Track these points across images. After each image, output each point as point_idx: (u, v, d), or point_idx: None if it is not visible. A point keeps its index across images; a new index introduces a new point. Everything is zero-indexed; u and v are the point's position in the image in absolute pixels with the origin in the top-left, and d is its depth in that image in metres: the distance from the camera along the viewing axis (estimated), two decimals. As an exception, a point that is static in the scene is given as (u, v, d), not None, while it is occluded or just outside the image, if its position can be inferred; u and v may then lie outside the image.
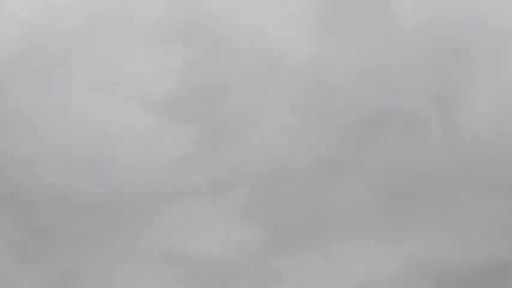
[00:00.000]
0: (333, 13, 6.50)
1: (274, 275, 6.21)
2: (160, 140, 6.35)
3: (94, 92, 6.38)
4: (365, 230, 6.28)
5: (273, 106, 6.42)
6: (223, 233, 6.27)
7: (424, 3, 6.51)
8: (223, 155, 6.34)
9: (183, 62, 6.43)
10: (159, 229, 6.26)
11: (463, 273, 6.19)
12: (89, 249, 6.22)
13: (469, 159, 6.34)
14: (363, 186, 6.33)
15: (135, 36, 6.50)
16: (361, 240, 6.26)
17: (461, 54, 6.45)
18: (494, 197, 6.30)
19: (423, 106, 6.41)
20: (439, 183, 6.32)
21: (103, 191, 6.26)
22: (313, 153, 6.37)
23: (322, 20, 6.52)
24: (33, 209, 6.23)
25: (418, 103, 6.41)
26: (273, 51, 6.47)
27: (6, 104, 6.35)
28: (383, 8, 6.49)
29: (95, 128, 6.35)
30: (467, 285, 6.18)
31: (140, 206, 6.28)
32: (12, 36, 6.44)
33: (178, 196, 6.29)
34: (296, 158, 6.36)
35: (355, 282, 6.21)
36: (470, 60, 6.45)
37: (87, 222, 6.24)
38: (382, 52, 6.46)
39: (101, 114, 6.37)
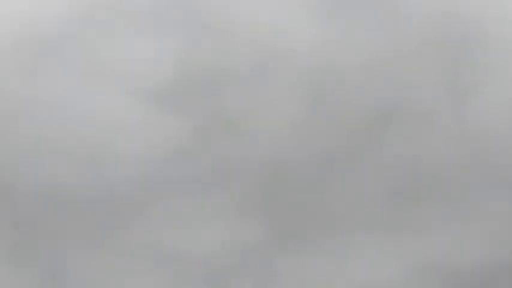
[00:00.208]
0: (335, 2, 6.38)
1: (272, 272, 6.10)
2: (155, 131, 6.25)
3: (86, 83, 6.29)
4: (370, 227, 6.15)
5: (271, 97, 6.29)
6: (219, 229, 6.16)
7: (431, -10, 6.41)
8: (219, 147, 6.21)
9: (178, 52, 6.33)
10: (152, 225, 6.15)
11: (472, 274, 6.08)
12: (80, 246, 6.09)
13: (478, 153, 6.22)
14: (367, 182, 6.20)
15: (129, 25, 6.40)
16: (364, 238, 6.14)
17: (470, 46, 6.32)
18: (505, 194, 6.17)
19: (431, 98, 6.27)
20: (446, 179, 6.20)
21: (95, 185, 6.17)
22: (313, 146, 6.24)
23: (323, 9, 6.40)
24: (22, 205, 6.11)
25: (426, 95, 6.28)
26: (272, 40, 6.34)
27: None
28: (389, -5, 6.38)
29: (87, 119, 6.24)
30: (476, 285, 6.05)
31: (133, 200, 6.17)
32: (0, 25, 6.33)
33: (172, 191, 6.18)
34: (296, 151, 6.23)
35: (357, 281, 6.10)
36: (478, 52, 6.31)
37: (78, 218, 6.13)
38: (386, 42, 6.34)
39: (93, 105, 6.27)
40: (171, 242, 6.11)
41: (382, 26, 6.36)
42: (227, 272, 6.06)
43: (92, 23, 6.33)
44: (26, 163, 6.15)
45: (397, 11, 6.39)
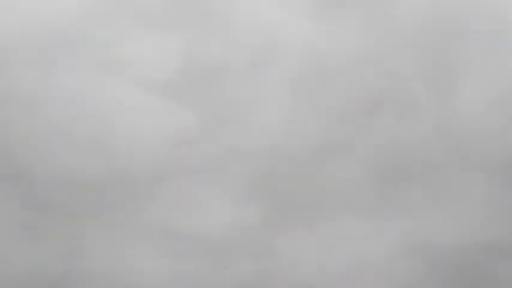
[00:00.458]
0: (330, -2, 6.58)
1: (271, 252, 6.30)
2: (161, 120, 6.40)
3: (95, 73, 6.41)
4: (360, 209, 6.37)
5: (271, 88, 6.47)
6: (222, 212, 6.34)
7: (420, -12, 6.60)
8: (223, 136, 6.41)
9: (183, 44, 6.46)
10: (160, 207, 6.32)
11: (455, 254, 6.28)
12: (92, 227, 6.28)
13: (462, 142, 6.43)
14: (358, 167, 6.41)
15: (136, 18, 6.50)
16: (356, 219, 6.35)
17: (456, 39, 6.53)
18: (485, 179, 6.40)
19: (418, 89, 6.49)
20: (432, 165, 6.40)
21: (105, 170, 6.31)
22: (310, 134, 6.44)
23: (319, 3, 6.56)
24: (36, 187, 6.28)
25: (413, 86, 6.49)
26: (272, 34, 6.52)
27: (8, 85, 6.37)
28: (380, -7, 6.58)
29: (96, 108, 6.39)
30: (459, 265, 6.27)
31: (141, 185, 6.34)
32: (13, 17, 6.46)
33: (178, 176, 6.35)
34: (294, 140, 6.44)
35: (350, 260, 6.30)
36: (464, 45, 6.52)
37: (90, 201, 6.30)
38: (378, 35, 6.52)
39: (102, 95, 6.40)
40: (178, 223, 6.30)
41: (372, 22, 6.53)
42: (229, 250, 6.29)
43: (102, 19, 6.44)
44: (42, 149, 6.30)
45: (386, 7, 6.53)
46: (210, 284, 6.25)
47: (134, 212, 6.30)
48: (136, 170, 6.32)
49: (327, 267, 6.28)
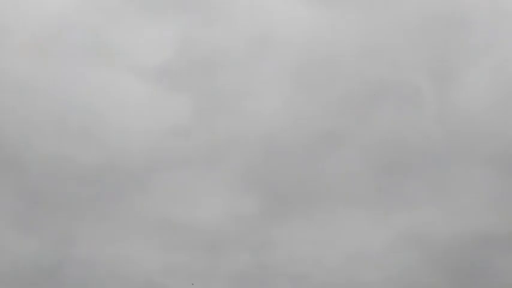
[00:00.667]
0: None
1: (268, 244, 6.30)
2: (156, 109, 6.38)
3: (89, 61, 6.39)
4: (357, 201, 6.37)
5: (268, 77, 6.45)
6: (218, 202, 6.33)
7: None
8: (218, 125, 6.39)
9: (179, 32, 6.44)
10: (154, 197, 6.30)
11: (452, 245, 6.29)
12: (84, 217, 6.26)
13: (461, 133, 6.43)
14: (357, 158, 6.40)
15: (131, 5, 6.47)
16: (353, 210, 6.35)
17: (458, 30, 6.53)
18: (485, 171, 6.40)
19: (418, 80, 6.49)
20: (431, 157, 6.40)
21: (99, 159, 6.29)
22: (308, 125, 6.43)
23: None
24: (29, 176, 6.26)
25: (413, 77, 6.49)
26: (270, 22, 6.51)
27: (1, 74, 6.34)
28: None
29: (89, 97, 6.37)
30: (455, 257, 6.29)
31: (135, 174, 6.32)
32: (6, 6, 6.45)
33: (173, 165, 6.33)
34: (291, 130, 6.43)
35: (347, 251, 6.30)
36: (465, 36, 6.52)
37: (83, 190, 6.27)
38: (379, 26, 6.51)
39: (96, 83, 6.39)
40: (172, 213, 6.27)
41: (373, 12, 6.52)
42: (225, 241, 6.27)
43: (98, 7, 6.42)
44: (34, 139, 6.27)
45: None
46: (205, 275, 6.24)
47: (128, 202, 6.28)
48: (129, 160, 6.30)
49: (323, 258, 6.28)
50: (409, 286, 6.25)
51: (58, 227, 6.23)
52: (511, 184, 6.37)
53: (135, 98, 6.36)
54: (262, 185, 6.35)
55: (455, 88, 6.43)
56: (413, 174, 6.37)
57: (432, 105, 6.41)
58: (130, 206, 6.27)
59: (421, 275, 6.27)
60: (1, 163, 6.24)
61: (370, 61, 6.44)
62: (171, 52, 6.40)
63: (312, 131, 6.39)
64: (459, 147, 6.40)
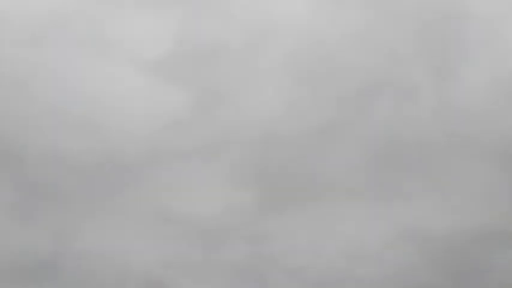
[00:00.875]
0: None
1: (265, 236, 6.31)
2: (154, 101, 6.35)
3: (86, 53, 6.35)
4: (355, 194, 6.37)
5: (267, 70, 6.43)
6: (215, 195, 6.33)
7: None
8: (216, 118, 6.37)
9: (175, 23, 6.40)
10: (152, 189, 6.30)
11: (449, 239, 6.31)
12: (83, 209, 6.27)
13: (461, 128, 6.43)
14: (355, 152, 6.40)
15: (131, 0, 6.50)
16: (352, 204, 6.36)
17: (457, 25, 6.51)
18: (484, 166, 6.41)
19: (417, 72, 6.47)
20: (429, 151, 6.40)
21: (97, 151, 6.28)
22: (306, 118, 6.41)
23: None
24: (28, 169, 6.25)
25: (412, 72, 6.47)
26: (268, 13, 6.46)
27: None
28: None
29: (87, 89, 6.34)
30: (452, 251, 6.30)
31: (133, 166, 6.31)
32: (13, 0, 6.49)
33: (171, 157, 6.32)
34: (289, 122, 6.41)
35: (345, 244, 6.32)
36: (465, 31, 6.50)
37: (81, 182, 6.27)
38: (377, 17, 6.47)
39: (94, 75, 6.35)
40: (170, 205, 6.29)
41: (371, 3, 6.50)
42: (223, 233, 6.29)
43: None
44: (33, 130, 6.25)
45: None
46: (203, 267, 6.25)
47: (126, 194, 6.28)
48: (127, 152, 6.29)
49: (321, 251, 6.29)
50: (406, 280, 6.26)
51: (56, 219, 6.24)
52: (508, 178, 6.36)
53: (133, 91, 6.34)
54: (260, 178, 6.35)
55: (454, 83, 6.42)
56: (411, 169, 6.36)
57: (431, 99, 6.40)
58: (129, 198, 6.27)
59: (419, 269, 6.29)
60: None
61: (369, 55, 6.42)
62: (170, 44, 6.37)
63: (310, 125, 6.38)
64: (458, 142, 6.39)
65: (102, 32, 6.35)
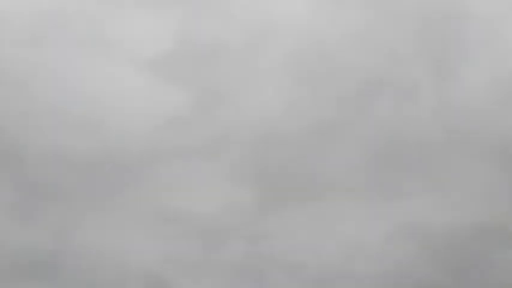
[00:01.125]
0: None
1: (264, 234, 6.31)
2: (154, 101, 6.36)
3: (86, 52, 6.36)
4: (355, 192, 6.37)
5: (267, 69, 6.44)
6: (216, 194, 6.33)
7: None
8: (216, 117, 6.38)
9: (175, 22, 6.40)
10: (152, 188, 6.30)
11: (448, 236, 6.31)
12: (83, 208, 6.27)
13: (460, 127, 6.43)
14: (355, 151, 6.40)
15: None
16: (351, 202, 6.36)
17: (457, 24, 6.51)
18: (482, 165, 6.41)
19: (417, 71, 6.47)
20: (429, 151, 6.41)
21: (96, 151, 6.28)
22: (305, 117, 6.42)
23: None
24: (28, 168, 6.26)
25: (412, 71, 6.47)
26: (268, 12, 6.47)
27: (-1, 62, 6.41)
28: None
29: (87, 88, 6.35)
30: (451, 247, 6.31)
31: (133, 165, 6.31)
32: None
33: (171, 156, 6.33)
34: (289, 122, 6.42)
35: (344, 242, 6.32)
36: (465, 30, 6.51)
37: (81, 181, 6.28)
38: (378, 16, 6.47)
39: (94, 74, 6.36)
40: (170, 204, 6.29)
41: (372, 2, 6.51)
42: (223, 231, 6.29)
43: None
44: (33, 129, 6.26)
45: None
46: (203, 266, 6.24)
47: (126, 193, 6.28)
48: (127, 151, 6.29)
49: (320, 249, 6.28)
50: (407, 277, 6.25)
51: (56, 218, 6.25)
52: (507, 177, 6.36)
53: (134, 90, 6.35)
54: (260, 177, 6.35)
55: (454, 83, 6.42)
56: (411, 168, 6.37)
57: (431, 99, 6.40)
58: (129, 198, 6.28)
59: (419, 266, 6.28)
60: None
61: (369, 55, 6.43)
62: (170, 44, 6.38)
63: (310, 124, 6.39)
64: (457, 141, 6.39)
65: (102, 31, 6.37)
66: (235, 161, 6.34)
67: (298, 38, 6.45)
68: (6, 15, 6.35)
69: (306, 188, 6.34)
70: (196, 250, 6.25)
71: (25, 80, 6.33)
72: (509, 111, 6.41)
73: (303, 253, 6.28)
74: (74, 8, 6.39)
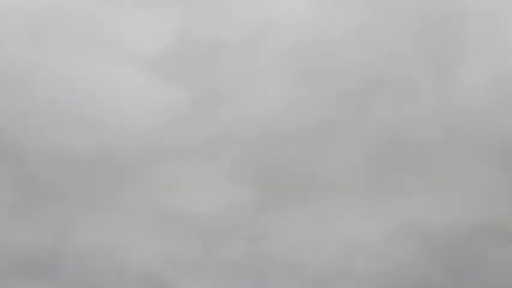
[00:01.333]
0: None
1: (264, 234, 6.32)
2: (154, 100, 6.36)
3: (85, 51, 6.35)
4: (355, 192, 6.38)
5: (267, 69, 6.44)
6: (215, 193, 6.33)
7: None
8: (216, 116, 6.38)
9: (177, 22, 6.40)
10: (152, 188, 6.30)
11: (447, 235, 6.32)
12: (82, 206, 6.28)
13: (459, 127, 6.43)
14: (354, 150, 6.41)
15: None
16: (351, 201, 6.37)
17: (457, 24, 6.51)
18: (482, 164, 6.42)
19: (417, 71, 6.47)
20: (429, 151, 6.41)
21: (96, 150, 6.29)
22: (305, 117, 6.42)
23: None
24: (27, 167, 6.26)
25: (412, 71, 6.47)
26: (268, 11, 6.47)
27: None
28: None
29: (88, 87, 6.35)
30: (450, 247, 6.31)
31: (133, 164, 6.32)
32: None
33: (170, 155, 6.33)
34: (289, 121, 6.41)
35: (344, 241, 6.32)
36: (463, 26, 6.51)
37: (81, 180, 6.28)
38: (377, 15, 6.47)
39: (94, 73, 6.36)
40: (170, 203, 6.29)
41: (372, 5, 6.50)
42: (222, 231, 6.30)
43: None
44: (32, 128, 6.26)
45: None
46: (202, 265, 6.25)
47: (125, 192, 6.29)
48: (127, 150, 6.29)
49: (320, 249, 6.29)
50: (406, 277, 6.26)
51: (56, 217, 6.25)
52: (507, 177, 6.37)
53: (133, 89, 6.35)
54: (260, 177, 6.36)
55: (454, 83, 6.43)
56: (410, 166, 6.37)
57: (431, 99, 6.41)
58: (128, 197, 6.28)
59: (418, 266, 6.29)
60: (-2, 153, 6.29)
61: (369, 55, 6.43)
62: (170, 43, 6.38)
63: (310, 124, 6.39)
64: (457, 141, 6.40)
65: (102, 31, 6.36)
66: (235, 161, 6.34)
67: (298, 38, 6.44)
68: (5, 14, 6.35)
69: (306, 188, 6.35)
70: (196, 250, 6.26)
71: (24, 79, 6.33)
72: (509, 111, 6.42)
73: (303, 253, 6.29)
74: (74, 7, 6.39)
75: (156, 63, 6.38)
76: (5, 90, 6.30)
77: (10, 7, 6.35)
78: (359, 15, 6.46)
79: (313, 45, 6.44)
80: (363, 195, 6.34)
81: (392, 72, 6.44)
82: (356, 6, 6.46)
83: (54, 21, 6.37)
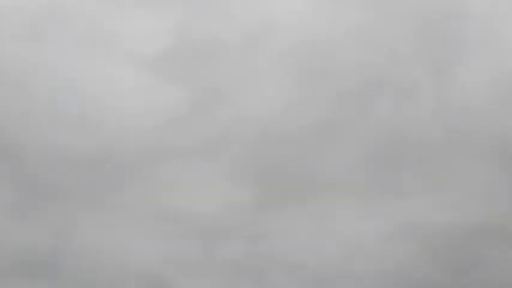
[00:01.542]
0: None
1: (264, 234, 6.32)
2: (153, 99, 6.37)
3: (85, 50, 6.36)
4: (355, 192, 6.38)
5: (267, 69, 6.44)
6: (215, 193, 6.33)
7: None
8: (216, 116, 6.38)
9: (177, 22, 6.41)
10: (152, 188, 6.31)
11: (446, 235, 6.33)
12: (82, 206, 6.28)
13: (459, 127, 6.44)
14: (354, 150, 6.41)
15: None
16: (350, 201, 6.37)
17: (457, 24, 6.52)
18: (481, 164, 6.42)
19: (417, 74, 6.48)
20: (429, 150, 6.41)
21: (96, 149, 6.29)
22: (305, 117, 6.42)
23: None
24: (27, 167, 6.26)
25: (412, 70, 6.48)
26: (267, 11, 6.47)
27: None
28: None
29: (88, 87, 6.35)
30: (450, 247, 6.32)
31: (133, 164, 6.32)
32: None
33: (170, 155, 6.33)
34: (289, 121, 6.42)
35: (344, 241, 6.32)
36: (465, 30, 6.51)
37: (81, 180, 6.28)
38: (377, 16, 6.47)
39: (94, 73, 6.36)
40: (170, 204, 6.30)
41: (372, 5, 6.51)
42: (222, 231, 6.30)
43: None
44: (32, 128, 6.26)
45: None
46: (202, 265, 6.25)
47: (125, 192, 6.29)
48: (127, 150, 6.30)
49: (320, 249, 6.29)
50: (406, 277, 6.26)
51: (56, 217, 6.25)
52: (507, 177, 6.38)
53: (133, 89, 6.35)
54: (259, 177, 6.36)
55: (454, 83, 6.43)
56: (410, 166, 6.38)
57: (431, 99, 6.41)
58: (128, 197, 6.28)
59: (418, 266, 6.30)
60: (-2, 153, 6.30)
61: (369, 55, 6.43)
62: (169, 43, 6.38)
63: (310, 124, 6.39)
64: (457, 141, 6.40)
65: (102, 31, 6.37)
66: (235, 161, 6.34)
67: (298, 38, 6.45)
68: (5, 13, 6.35)
69: (306, 188, 6.35)
70: (196, 250, 6.26)
71: (24, 79, 6.33)
72: (509, 111, 6.43)
73: (303, 253, 6.29)
74: (74, 7, 6.39)
75: (156, 63, 6.38)
76: (5, 90, 6.30)
77: (10, 7, 6.35)
78: (359, 15, 6.46)
79: (313, 45, 6.44)
80: (363, 195, 6.35)
81: (392, 72, 6.44)
82: (356, 6, 6.46)
83: (54, 21, 6.37)
